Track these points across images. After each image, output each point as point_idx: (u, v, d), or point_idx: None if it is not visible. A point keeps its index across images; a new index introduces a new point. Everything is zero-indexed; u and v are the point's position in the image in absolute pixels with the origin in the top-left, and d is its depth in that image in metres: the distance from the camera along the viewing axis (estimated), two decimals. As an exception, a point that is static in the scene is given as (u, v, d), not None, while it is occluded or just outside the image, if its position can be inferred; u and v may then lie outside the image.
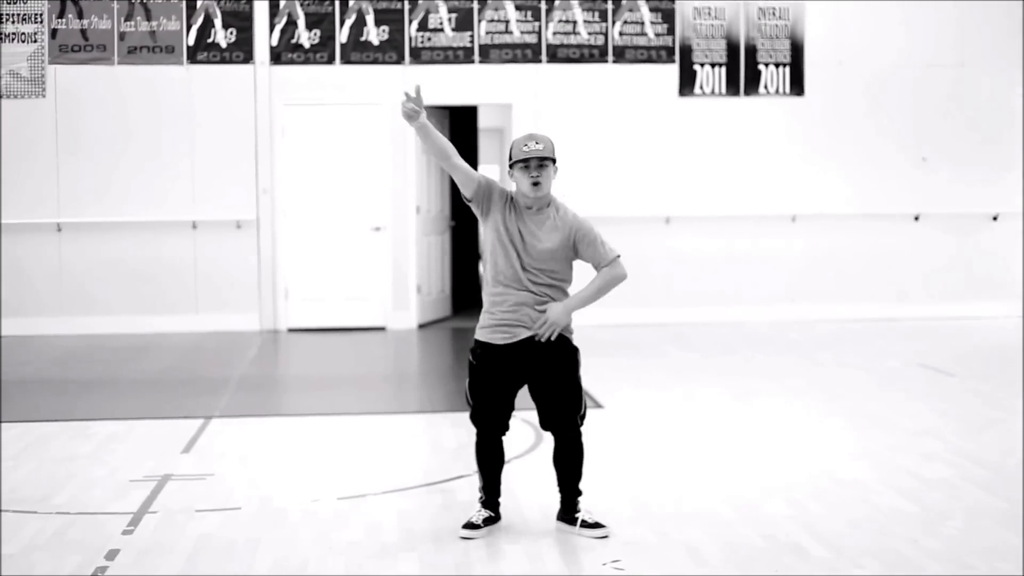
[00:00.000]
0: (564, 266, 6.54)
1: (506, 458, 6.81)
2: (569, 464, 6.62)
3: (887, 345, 13.79)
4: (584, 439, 6.64)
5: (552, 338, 6.47)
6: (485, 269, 6.58)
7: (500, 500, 6.78)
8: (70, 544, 6.57)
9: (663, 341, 14.18)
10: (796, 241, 15.83)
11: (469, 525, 6.61)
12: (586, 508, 6.68)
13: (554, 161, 6.49)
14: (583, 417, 6.61)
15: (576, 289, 6.62)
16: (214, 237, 15.24)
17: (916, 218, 15.95)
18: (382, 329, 15.43)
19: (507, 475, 6.99)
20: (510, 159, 6.50)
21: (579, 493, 6.67)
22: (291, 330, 15.30)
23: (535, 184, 6.40)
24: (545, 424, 6.60)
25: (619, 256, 6.57)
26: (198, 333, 15.04)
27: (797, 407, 10.29)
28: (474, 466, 6.85)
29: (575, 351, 6.62)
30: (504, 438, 6.69)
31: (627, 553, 6.28)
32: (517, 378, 6.54)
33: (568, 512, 6.65)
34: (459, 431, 9.20)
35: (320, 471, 8.24)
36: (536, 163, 6.40)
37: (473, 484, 7.71)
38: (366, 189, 15.49)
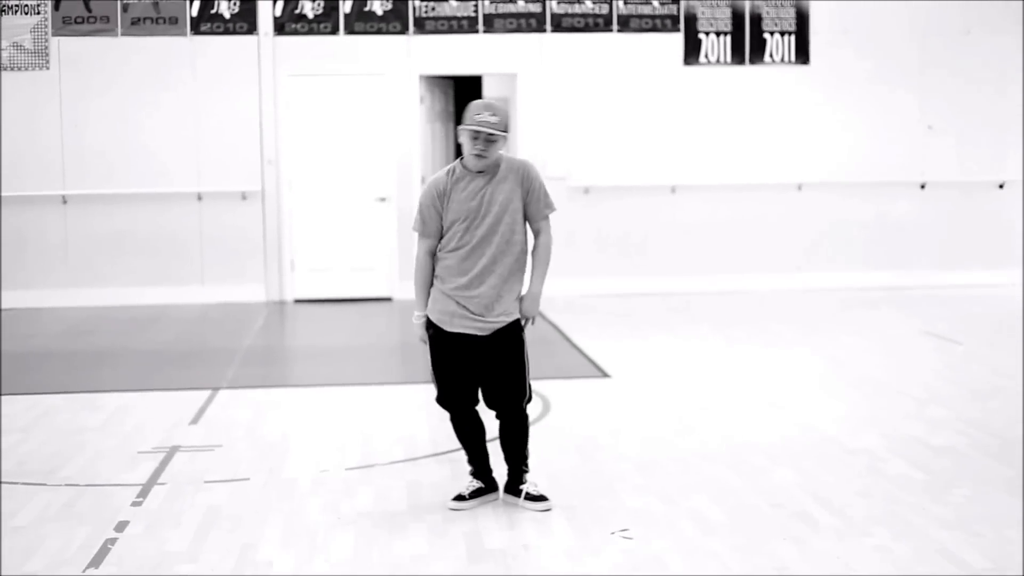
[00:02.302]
0: (519, 218, 6.41)
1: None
2: (513, 441, 6.64)
3: (893, 313, 13.79)
4: (528, 418, 6.67)
5: (533, 323, 6.57)
6: (441, 247, 6.42)
7: (491, 469, 6.79)
8: (80, 516, 6.59)
9: (669, 310, 14.17)
10: (802, 210, 15.80)
11: (457, 497, 6.67)
12: (532, 481, 6.69)
13: (505, 133, 6.32)
14: (528, 400, 6.58)
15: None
16: (219, 208, 15.23)
17: (922, 186, 15.92)
18: (388, 299, 15.42)
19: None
20: (463, 122, 6.35)
21: (524, 468, 6.68)
22: (297, 301, 15.30)
23: (479, 157, 6.29)
24: (489, 404, 6.57)
25: (550, 213, 6.53)
26: (204, 304, 15.05)
27: (803, 376, 10.29)
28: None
29: (521, 335, 6.52)
30: (477, 408, 6.67)
31: (635, 521, 6.29)
32: (471, 358, 6.47)
33: (514, 484, 6.68)
34: (466, 401, 9.21)
35: (328, 442, 8.25)
36: (485, 135, 6.26)
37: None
38: (371, 160, 15.47)
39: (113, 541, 6.14)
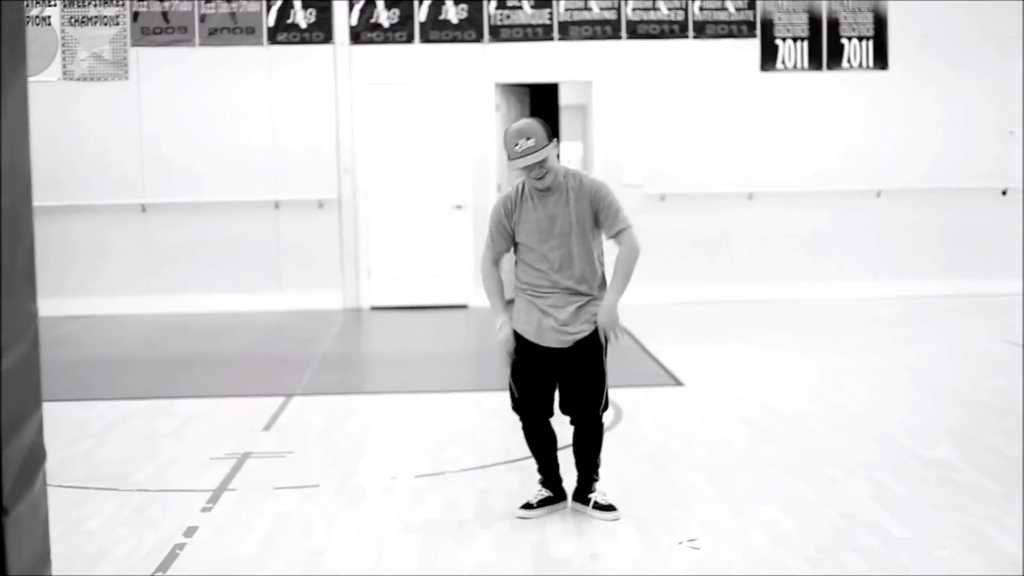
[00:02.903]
0: (590, 237, 6.31)
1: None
2: (586, 449, 6.56)
3: (974, 321, 13.61)
4: (603, 426, 6.57)
5: (617, 336, 6.35)
6: (518, 260, 6.47)
7: (562, 478, 6.71)
8: (150, 521, 6.63)
9: (745, 318, 14.08)
10: (881, 216, 15.65)
11: (525, 505, 6.61)
12: (601, 490, 6.62)
13: (549, 143, 6.12)
14: (605, 407, 6.48)
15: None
16: (297, 217, 15.33)
17: (1004, 192, 15.72)
18: (464, 307, 15.44)
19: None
20: (508, 156, 6.20)
21: (595, 476, 6.60)
22: (374, 308, 15.36)
23: (541, 182, 6.18)
24: (565, 410, 6.49)
25: (631, 227, 6.34)
26: (282, 312, 15.14)
27: (879, 384, 10.17)
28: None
29: (601, 345, 6.40)
30: (552, 419, 6.60)
31: (704, 531, 6.24)
32: (551, 367, 6.41)
33: (582, 492, 6.60)
34: (538, 409, 9.19)
35: (399, 449, 8.25)
36: (535, 164, 6.11)
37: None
38: (447, 167, 15.51)
39: (181, 546, 6.18)
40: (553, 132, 6.27)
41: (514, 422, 8.90)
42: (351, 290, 15.45)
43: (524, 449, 8.00)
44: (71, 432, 8.82)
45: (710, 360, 11.40)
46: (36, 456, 2.81)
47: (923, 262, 15.69)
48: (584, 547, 6.08)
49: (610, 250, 6.43)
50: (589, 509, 6.55)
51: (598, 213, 6.28)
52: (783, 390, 9.96)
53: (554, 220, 6.25)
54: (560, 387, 6.47)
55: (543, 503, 6.62)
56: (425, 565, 5.88)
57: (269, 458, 7.98)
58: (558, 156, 6.27)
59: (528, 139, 6.07)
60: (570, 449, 6.69)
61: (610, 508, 6.53)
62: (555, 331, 6.32)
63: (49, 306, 14.96)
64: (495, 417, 9.10)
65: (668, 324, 13.64)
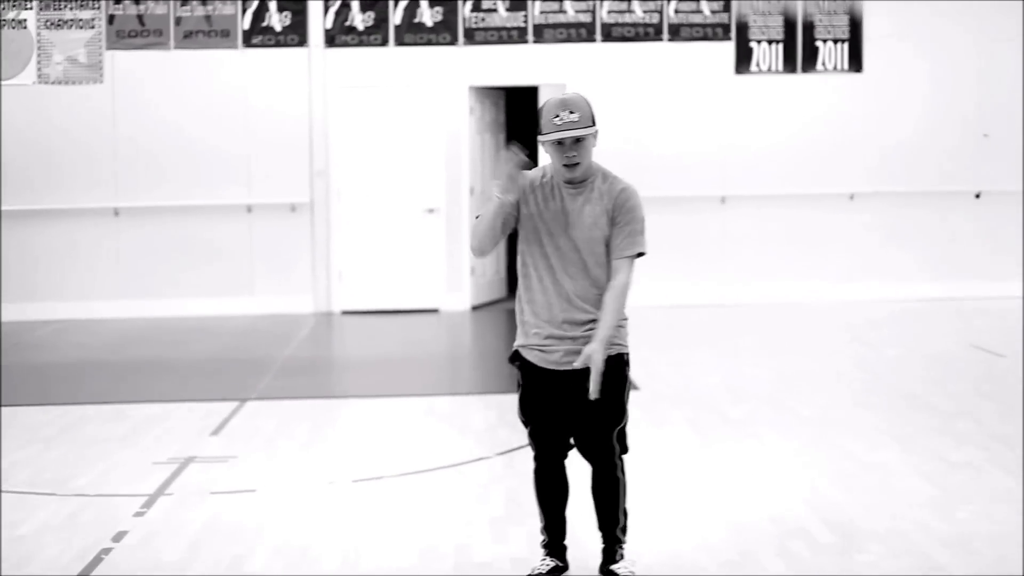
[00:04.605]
0: (602, 246, 5.50)
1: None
2: (604, 498, 5.62)
3: (944, 325, 13.58)
4: (624, 471, 5.64)
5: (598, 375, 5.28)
6: (519, 264, 5.62)
7: (566, 543, 5.81)
8: (81, 526, 6.63)
9: (715, 321, 14.06)
10: (855, 219, 15.61)
11: None
12: (630, 559, 5.71)
13: (594, 126, 5.42)
14: (624, 449, 5.62)
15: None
16: (269, 220, 15.30)
17: (977, 195, 15.68)
18: (435, 311, 15.42)
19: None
20: (540, 130, 5.40)
21: (619, 539, 5.67)
22: (345, 312, 15.33)
23: (571, 166, 5.40)
24: (578, 444, 5.61)
25: (637, 255, 5.50)
26: (253, 316, 15.11)
27: (836, 389, 10.15)
28: (535, 501, 5.84)
29: (622, 373, 5.55)
30: (567, 463, 5.72)
31: (631, 535, 6.17)
32: (562, 394, 5.52)
33: (606, 564, 5.68)
34: (489, 413, 9.21)
35: (343, 453, 8.26)
36: (572, 140, 5.37)
37: (490, 467, 7.72)
38: (420, 171, 15.48)
39: (108, 551, 6.18)
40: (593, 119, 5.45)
41: (462, 426, 8.95)
42: (322, 294, 15.43)
43: (465, 453, 8.03)
44: (22, 437, 8.83)
45: (672, 363, 11.37)
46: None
47: (896, 265, 15.63)
48: (507, 552, 6.07)
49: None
50: None
51: (616, 219, 5.45)
52: (738, 394, 9.93)
53: (569, 217, 5.45)
54: (574, 419, 5.56)
55: (552, 574, 5.72)
56: (346, 569, 5.88)
57: (212, 463, 7.98)
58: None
59: (572, 112, 5.33)
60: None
61: None
62: (563, 351, 5.48)
63: (21, 310, 15.01)
64: (444, 421, 9.10)
65: (636, 327, 13.56)
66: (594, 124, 5.41)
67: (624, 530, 5.66)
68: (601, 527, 5.66)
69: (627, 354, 5.57)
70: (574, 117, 5.33)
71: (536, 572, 5.69)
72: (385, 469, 7.72)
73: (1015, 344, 12.16)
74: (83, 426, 9.16)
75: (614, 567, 5.61)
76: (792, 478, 7.36)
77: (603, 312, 5.41)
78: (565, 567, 5.78)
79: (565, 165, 5.40)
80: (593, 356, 5.25)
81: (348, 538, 6.33)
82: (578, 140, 5.36)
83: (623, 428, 5.57)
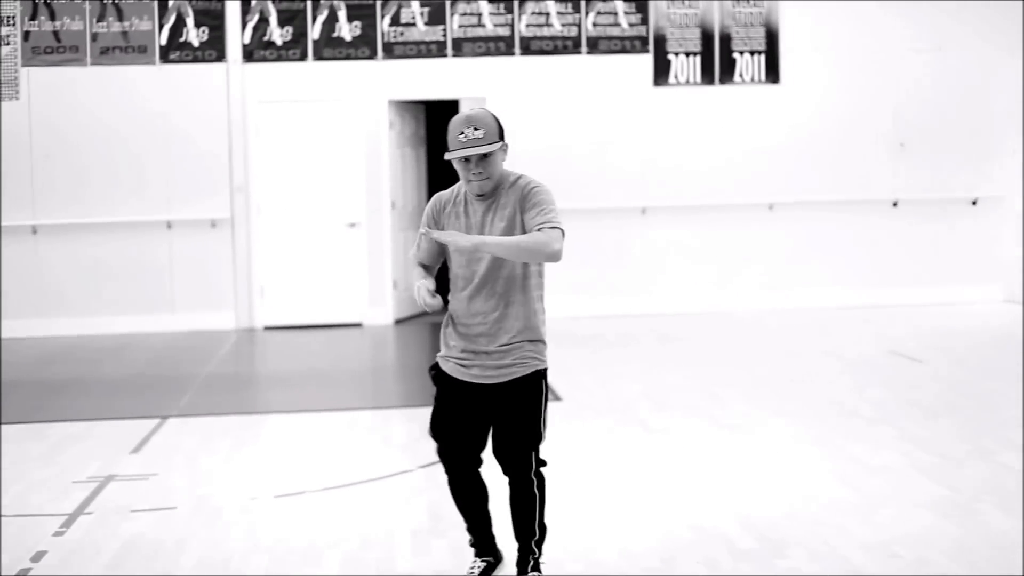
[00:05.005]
0: None
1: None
2: (520, 509, 5.61)
3: (863, 332, 13.72)
4: (543, 483, 5.63)
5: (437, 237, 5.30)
6: (451, 284, 5.62)
7: (495, 536, 5.91)
8: (-2, 547, 6.55)
9: (638, 332, 14.11)
10: (774, 230, 15.75)
11: None
12: (544, 573, 5.71)
13: (500, 141, 5.42)
14: (540, 462, 5.59)
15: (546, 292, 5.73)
16: (189, 236, 15.20)
17: (895, 204, 15.87)
18: (358, 325, 15.38)
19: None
20: (448, 147, 5.41)
21: (533, 553, 5.64)
22: (267, 328, 15.26)
23: (479, 180, 5.40)
24: (496, 453, 5.58)
25: (561, 230, 5.29)
26: (174, 333, 15.00)
27: (757, 397, 10.21)
28: (454, 507, 5.92)
29: (540, 387, 5.54)
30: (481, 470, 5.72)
31: (551, 545, 6.20)
32: (479, 408, 5.55)
33: (520, 571, 5.67)
34: (412, 426, 9.20)
35: (265, 469, 8.21)
36: (478, 157, 5.37)
37: (413, 480, 7.72)
38: (340, 185, 15.44)
39: (27, 571, 6.11)
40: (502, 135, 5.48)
41: (384, 440, 8.94)
42: (244, 310, 15.34)
43: (387, 467, 8.03)
44: (-62, 458, 8.71)
45: (594, 373, 11.42)
46: None
47: (815, 274, 15.79)
48: (429, 564, 6.06)
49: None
50: None
51: (523, 209, 5.40)
52: (660, 403, 9.98)
53: (482, 231, 5.43)
54: (493, 431, 5.57)
55: (485, 573, 5.82)
56: (267, 586, 5.86)
57: (132, 481, 7.91)
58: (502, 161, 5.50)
59: (477, 129, 5.32)
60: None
61: None
62: (481, 366, 5.49)
63: (-63, 330, 14.81)
64: (367, 435, 9.09)
65: (558, 338, 13.62)
66: (501, 139, 5.42)
67: (540, 543, 5.65)
68: (517, 537, 5.65)
69: (545, 370, 5.56)
70: (479, 134, 5.33)
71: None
72: (307, 484, 7.69)
73: (933, 350, 12.32)
74: (1, 446, 9.04)
75: None
76: (713, 485, 7.41)
77: (515, 237, 5.32)
78: (498, 560, 5.88)
79: (472, 181, 5.41)
80: (455, 237, 5.26)
81: (270, 554, 6.30)
82: (484, 156, 5.37)
83: (540, 438, 5.54)
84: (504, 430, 5.50)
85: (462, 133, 5.33)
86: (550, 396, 5.64)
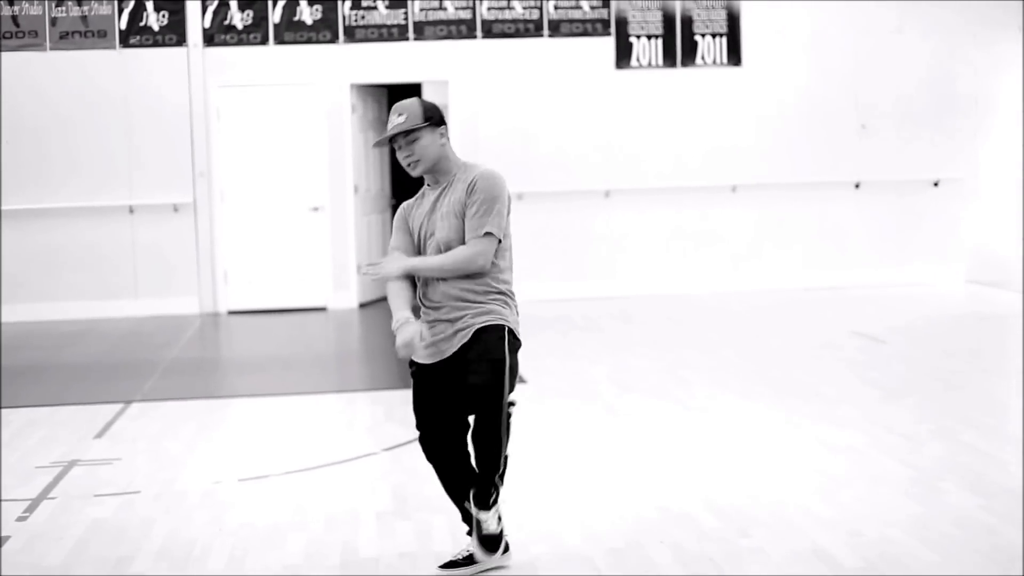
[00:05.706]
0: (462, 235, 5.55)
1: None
2: (483, 439, 5.48)
3: (826, 314, 13.79)
4: (510, 418, 5.53)
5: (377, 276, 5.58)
6: None
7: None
8: (-39, 533, 6.52)
9: (603, 315, 14.14)
10: (738, 212, 15.80)
11: (448, 564, 5.70)
12: (496, 514, 5.61)
13: (431, 125, 5.56)
14: (510, 402, 5.53)
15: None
16: (152, 221, 15.15)
17: (857, 185, 15.94)
18: (323, 309, 15.36)
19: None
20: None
21: (493, 485, 5.55)
22: (231, 312, 15.22)
23: (409, 164, 5.60)
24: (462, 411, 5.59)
25: (493, 237, 5.47)
26: (137, 318, 14.95)
27: (722, 378, 10.25)
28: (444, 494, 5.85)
29: (498, 341, 5.52)
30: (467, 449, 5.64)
31: (514, 527, 6.22)
32: (445, 386, 5.55)
33: (477, 503, 5.58)
34: (376, 409, 9.21)
35: (229, 453, 8.20)
36: (403, 139, 5.55)
37: (378, 463, 7.72)
38: (303, 169, 15.42)
39: (-10, 557, 6.09)
40: (441, 120, 5.64)
41: (348, 423, 8.95)
42: (208, 295, 15.30)
43: (351, 451, 8.02)
44: (-101, 445, 8.65)
45: (558, 356, 11.43)
46: None
47: (778, 255, 15.86)
48: (394, 546, 6.07)
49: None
50: (472, 540, 5.62)
51: (467, 203, 5.53)
52: (624, 386, 10.01)
53: (433, 215, 5.59)
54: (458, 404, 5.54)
55: (470, 560, 5.68)
56: (232, 568, 5.84)
57: (95, 465, 7.88)
58: (443, 145, 5.60)
59: (400, 115, 5.53)
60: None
61: (493, 542, 5.60)
62: (433, 345, 5.54)
63: (-103, 317, 14.72)
64: (331, 419, 9.08)
65: (523, 321, 13.62)
66: (427, 123, 5.57)
67: (502, 476, 5.58)
68: (479, 467, 5.54)
69: (504, 327, 5.56)
70: (400, 119, 5.55)
71: (454, 558, 5.73)
72: (271, 468, 7.68)
73: (896, 330, 12.39)
74: (-38, 432, 9.01)
75: (481, 515, 5.54)
76: (677, 467, 7.43)
77: (440, 256, 5.52)
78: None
79: (407, 165, 5.65)
80: (387, 267, 5.57)
81: (234, 538, 6.29)
82: (412, 141, 5.57)
83: (509, 384, 5.48)
84: (467, 385, 5.43)
85: (388, 122, 5.63)
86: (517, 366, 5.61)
